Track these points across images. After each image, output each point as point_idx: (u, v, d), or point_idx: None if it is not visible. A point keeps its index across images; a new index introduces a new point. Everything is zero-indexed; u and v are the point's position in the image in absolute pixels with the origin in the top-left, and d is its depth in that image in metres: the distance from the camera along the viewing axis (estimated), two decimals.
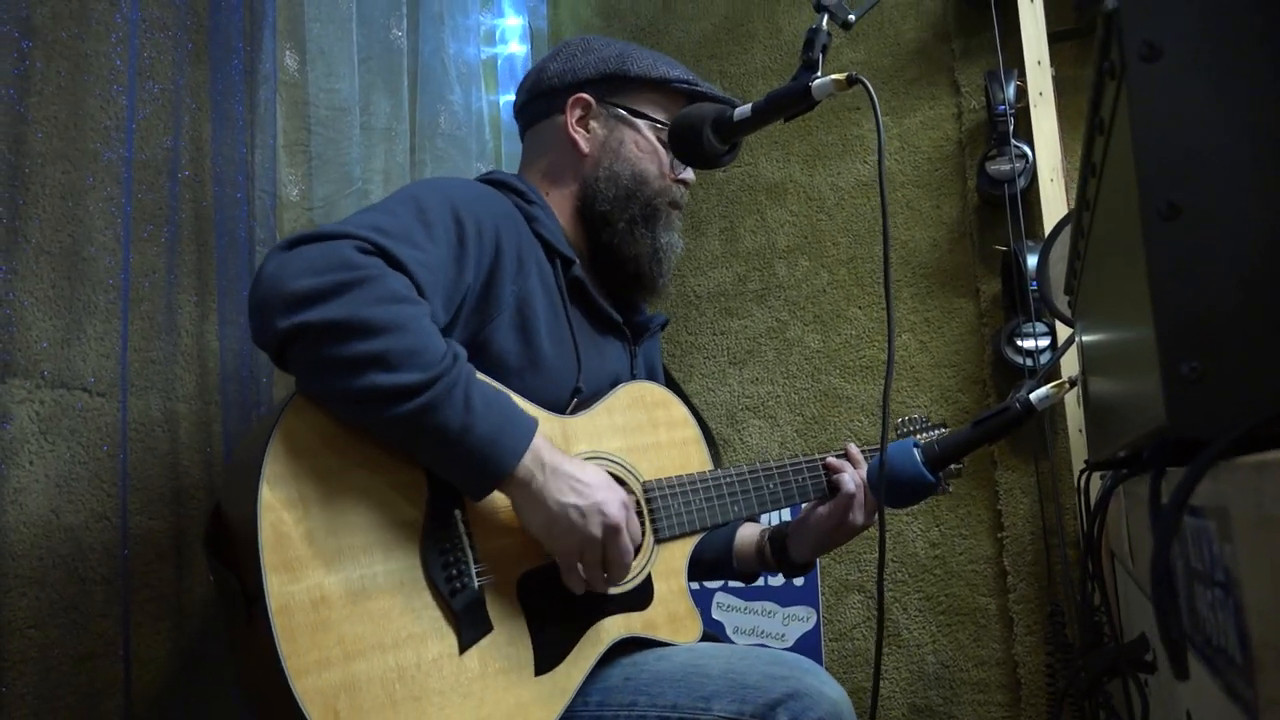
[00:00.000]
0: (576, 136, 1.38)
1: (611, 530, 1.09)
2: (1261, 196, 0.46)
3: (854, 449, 1.47)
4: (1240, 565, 0.40)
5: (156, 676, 1.29)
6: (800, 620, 2.18)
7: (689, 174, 1.44)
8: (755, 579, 1.58)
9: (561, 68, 1.41)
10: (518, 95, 1.48)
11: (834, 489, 1.42)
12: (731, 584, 2.22)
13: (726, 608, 2.22)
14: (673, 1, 2.57)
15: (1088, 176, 0.73)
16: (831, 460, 1.44)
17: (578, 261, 1.31)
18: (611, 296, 1.43)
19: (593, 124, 1.39)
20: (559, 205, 1.39)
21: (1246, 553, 0.38)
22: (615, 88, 1.39)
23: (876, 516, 1.38)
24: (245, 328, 1.46)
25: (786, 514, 2.16)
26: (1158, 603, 0.43)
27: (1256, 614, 0.38)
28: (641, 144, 1.39)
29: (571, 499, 1.07)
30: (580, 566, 1.11)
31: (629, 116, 1.39)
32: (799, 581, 2.19)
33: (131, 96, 1.35)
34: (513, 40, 2.42)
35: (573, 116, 1.38)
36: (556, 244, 1.29)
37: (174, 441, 1.39)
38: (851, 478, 1.41)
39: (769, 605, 2.20)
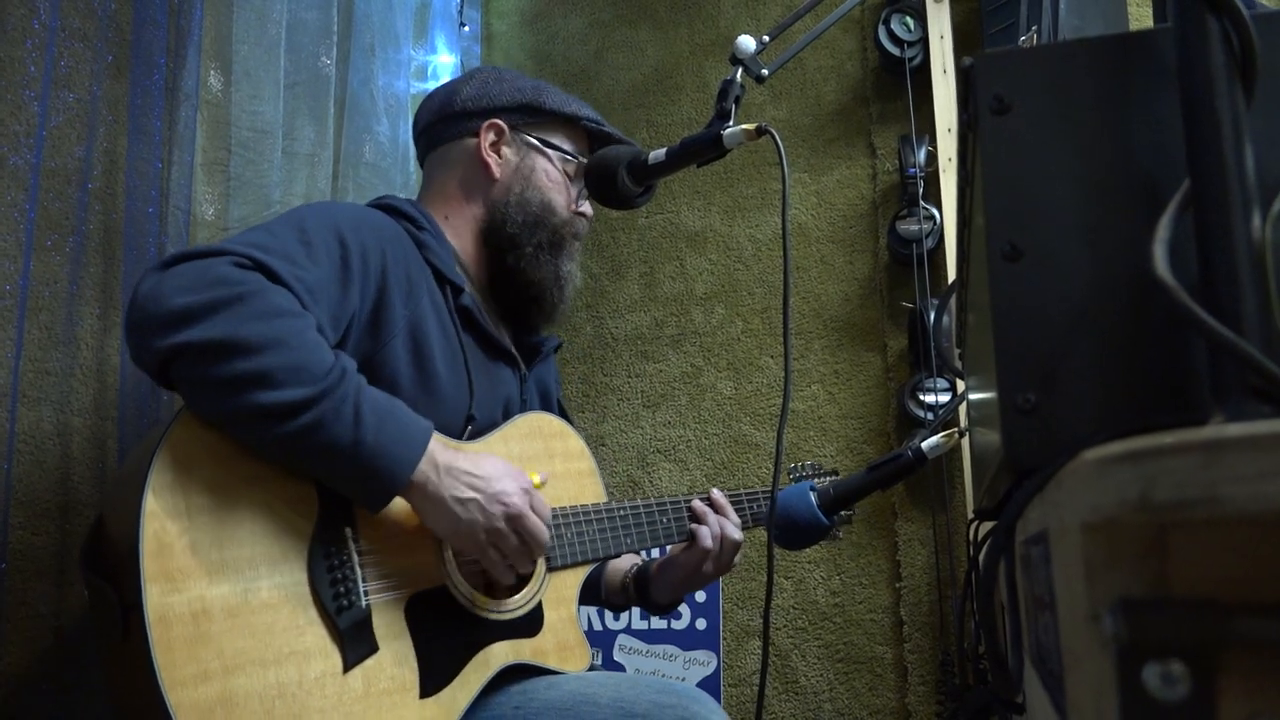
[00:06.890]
0: (489, 160, 1.38)
1: (514, 517, 1.11)
2: (1089, 241, 0.50)
3: (718, 495, 1.41)
4: (1055, 578, 0.43)
5: (28, 700, 1.24)
6: (701, 664, 2.18)
7: (588, 207, 1.47)
8: (624, 610, 1.57)
9: (476, 92, 1.41)
10: (421, 116, 1.46)
11: (692, 539, 1.37)
12: (634, 627, 2.22)
13: (629, 650, 2.21)
14: (604, 51, 2.63)
15: (962, 229, 0.78)
16: (697, 506, 1.39)
17: (467, 288, 1.31)
18: (506, 320, 1.44)
19: (505, 150, 1.40)
20: (460, 227, 1.38)
21: (1056, 564, 0.41)
22: (529, 118, 1.41)
23: (768, 557, 1.38)
24: None
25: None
26: (981, 621, 0.46)
27: (1064, 621, 0.41)
28: (551, 174, 1.41)
29: (469, 494, 1.08)
30: (497, 557, 1.12)
31: (542, 146, 1.41)
32: (701, 625, 2.20)
33: (44, 104, 1.33)
34: (444, 77, 2.44)
35: (486, 140, 1.39)
36: (446, 270, 1.28)
37: (65, 455, 1.35)
38: (709, 532, 1.36)
39: (671, 649, 2.20)
